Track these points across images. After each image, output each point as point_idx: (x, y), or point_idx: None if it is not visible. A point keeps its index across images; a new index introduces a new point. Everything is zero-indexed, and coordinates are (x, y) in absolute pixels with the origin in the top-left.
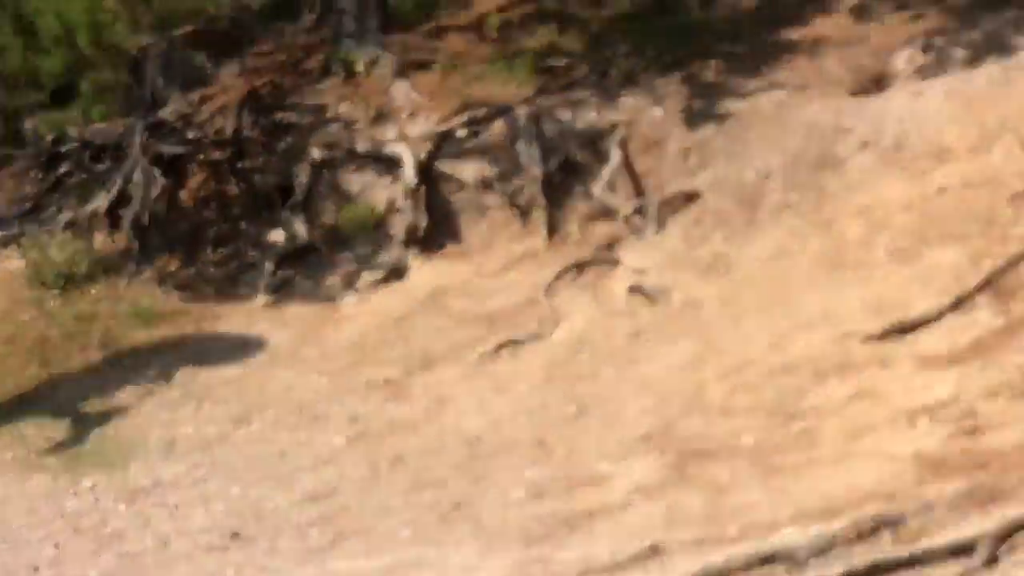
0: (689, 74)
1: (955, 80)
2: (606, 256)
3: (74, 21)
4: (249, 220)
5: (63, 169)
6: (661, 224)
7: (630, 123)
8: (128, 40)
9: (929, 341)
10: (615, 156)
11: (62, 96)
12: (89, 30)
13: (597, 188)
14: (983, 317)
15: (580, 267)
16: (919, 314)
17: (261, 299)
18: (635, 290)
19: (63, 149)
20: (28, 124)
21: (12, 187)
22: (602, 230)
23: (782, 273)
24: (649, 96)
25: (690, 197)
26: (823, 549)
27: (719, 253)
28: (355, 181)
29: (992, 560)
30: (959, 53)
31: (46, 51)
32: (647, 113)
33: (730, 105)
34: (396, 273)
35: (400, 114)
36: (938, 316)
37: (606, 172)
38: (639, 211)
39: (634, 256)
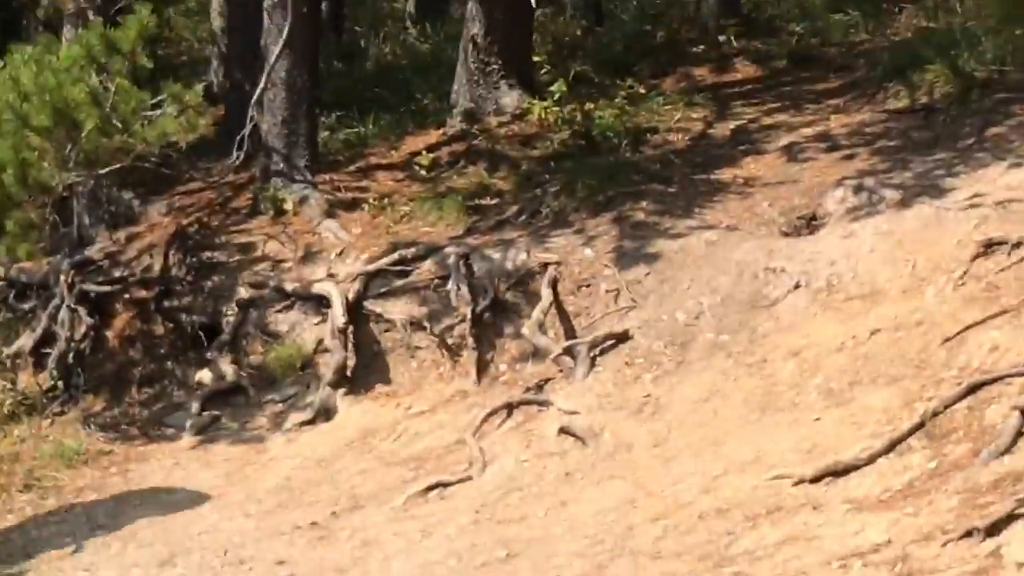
0: (620, 214)
1: (887, 221)
2: (536, 397)
3: (1, 159)
4: (175, 359)
5: None
6: (591, 365)
7: (560, 263)
8: (55, 178)
9: (862, 484)
10: (545, 296)
11: None
12: (15, 168)
13: (527, 328)
14: (916, 460)
15: (510, 408)
16: (852, 457)
17: (187, 439)
18: (565, 431)
19: None
20: None
21: None
22: (532, 370)
23: (714, 415)
24: (580, 236)
25: (621, 338)
26: None
27: (650, 394)
28: (283, 320)
29: None
30: (890, 194)
31: None
32: (577, 253)
33: (661, 245)
34: (324, 414)
35: (329, 253)
36: (871, 459)
37: (536, 312)
38: (569, 352)
39: (564, 397)
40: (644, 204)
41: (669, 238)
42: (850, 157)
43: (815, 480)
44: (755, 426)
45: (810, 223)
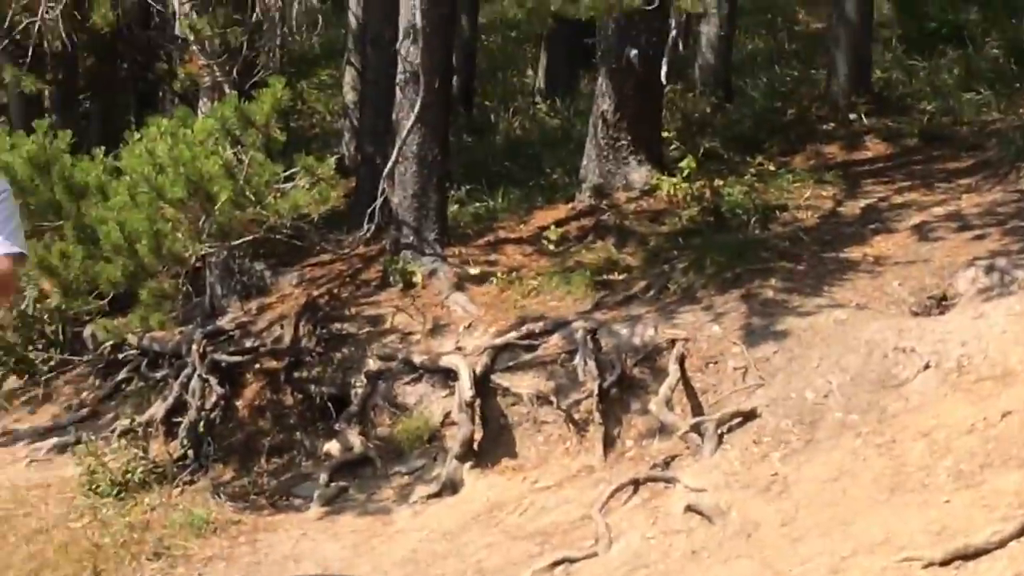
0: (748, 291)
1: (1019, 302)
2: (663, 474)
3: (135, 230)
4: (304, 430)
5: (121, 376)
6: (719, 442)
7: (688, 339)
8: (188, 249)
9: (993, 568)
10: (673, 372)
11: (121, 303)
12: (150, 239)
13: (654, 404)
14: None
15: (636, 484)
16: (982, 540)
17: (315, 510)
18: (692, 509)
19: (121, 356)
20: (87, 331)
21: (69, 393)
22: (659, 447)
23: (842, 495)
24: (708, 312)
25: (748, 415)
26: None
27: (778, 473)
28: (411, 392)
29: None
30: (1023, 275)
31: (107, 259)
32: (705, 329)
33: (790, 323)
34: (450, 486)
35: (457, 326)
36: (1001, 543)
37: (663, 388)
38: (696, 429)
39: (691, 474)
40: (773, 281)
41: (798, 316)
42: (981, 237)
43: (945, 563)
44: (884, 507)
45: (941, 303)
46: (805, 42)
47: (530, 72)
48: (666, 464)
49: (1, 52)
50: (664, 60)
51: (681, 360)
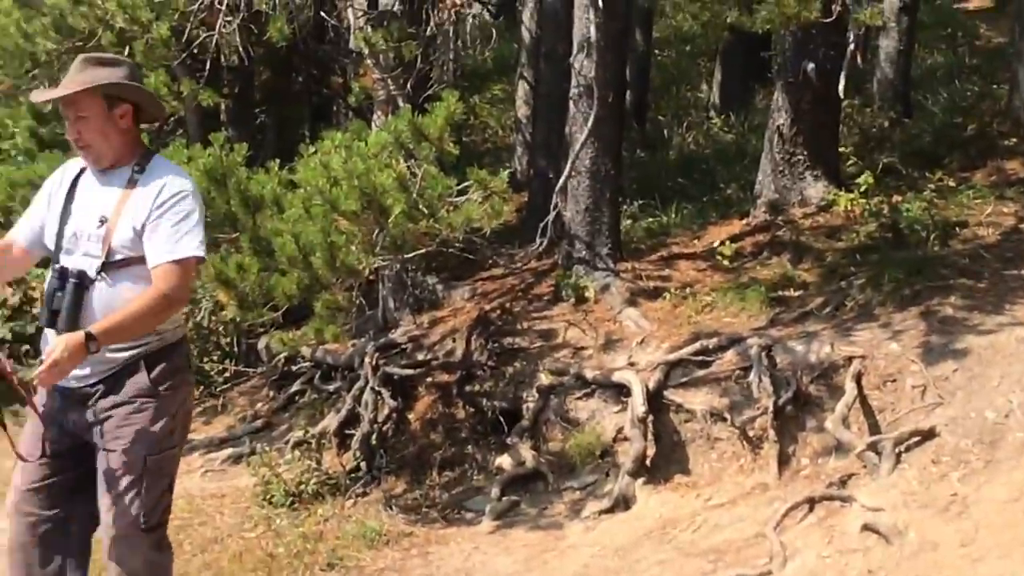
0: (927, 308)
1: None
2: (839, 492)
3: (310, 242)
4: (476, 444)
5: (294, 388)
6: (896, 461)
7: (865, 357)
8: (362, 262)
9: None
10: (849, 390)
11: (294, 316)
12: (324, 251)
13: (830, 422)
14: None
15: (811, 503)
16: None
17: (486, 524)
18: (869, 528)
19: (295, 368)
20: (261, 343)
21: (244, 405)
22: (835, 465)
23: (1023, 516)
24: (885, 330)
25: (927, 435)
26: None
27: (957, 493)
28: (583, 408)
29: None
30: None
31: (282, 271)
32: (883, 347)
33: (970, 341)
34: (623, 502)
35: (630, 341)
36: None
37: (840, 406)
38: (874, 447)
39: (868, 493)
40: (952, 299)
41: (978, 334)
42: None
43: None
44: None
45: None
46: (986, 57)
47: (704, 87)
48: (842, 483)
49: (179, 66)
50: (842, 74)
51: (858, 378)
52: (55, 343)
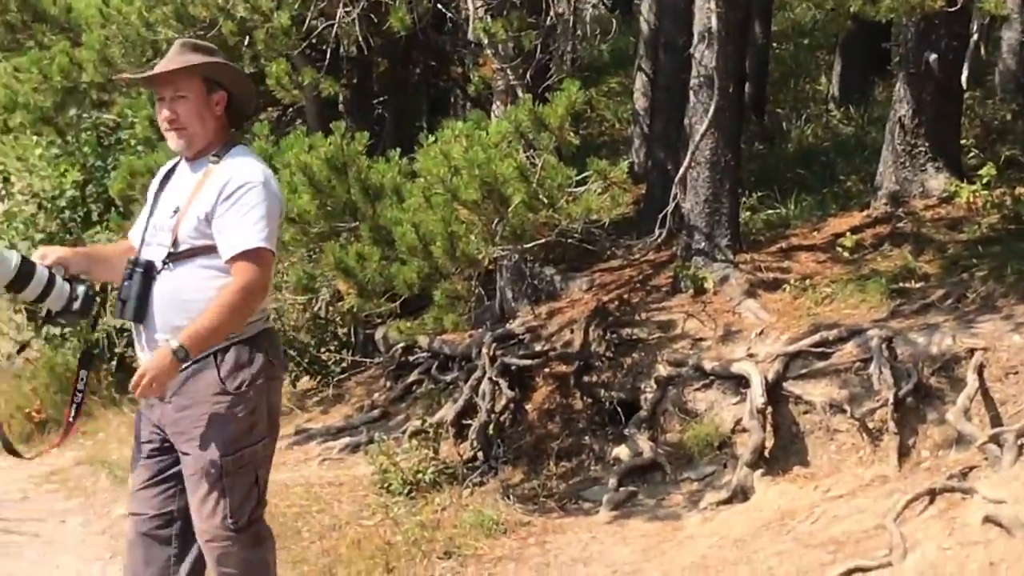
0: None
1: None
2: (960, 484)
3: (430, 231)
4: (593, 434)
5: (411, 378)
6: (1019, 454)
7: (987, 349)
8: (481, 251)
9: None
10: (971, 382)
11: (411, 306)
12: (444, 241)
13: (951, 414)
14: None
15: (932, 494)
16: None
17: (604, 514)
18: (990, 520)
19: (412, 358)
20: (378, 333)
21: (361, 394)
22: (955, 457)
23: None
24: (1008, 322)
25: None
26: None
27: None
28: (701, 399)
29: None
30: None
31: (402, 260)
32: (1005, 339)
33: None
34: (741, 493)
35: (748, 333)
36: None
37: (961, 398)
38: (996, 440)
39: (990, 485)
40: None
41: None
42: None
43: None
44: None
45: None
46: None
47: (823, 79)
48: (963, 475)
49: (299, 55)
50: (964, 65)
51: (980, 370)
52: (147, 359)
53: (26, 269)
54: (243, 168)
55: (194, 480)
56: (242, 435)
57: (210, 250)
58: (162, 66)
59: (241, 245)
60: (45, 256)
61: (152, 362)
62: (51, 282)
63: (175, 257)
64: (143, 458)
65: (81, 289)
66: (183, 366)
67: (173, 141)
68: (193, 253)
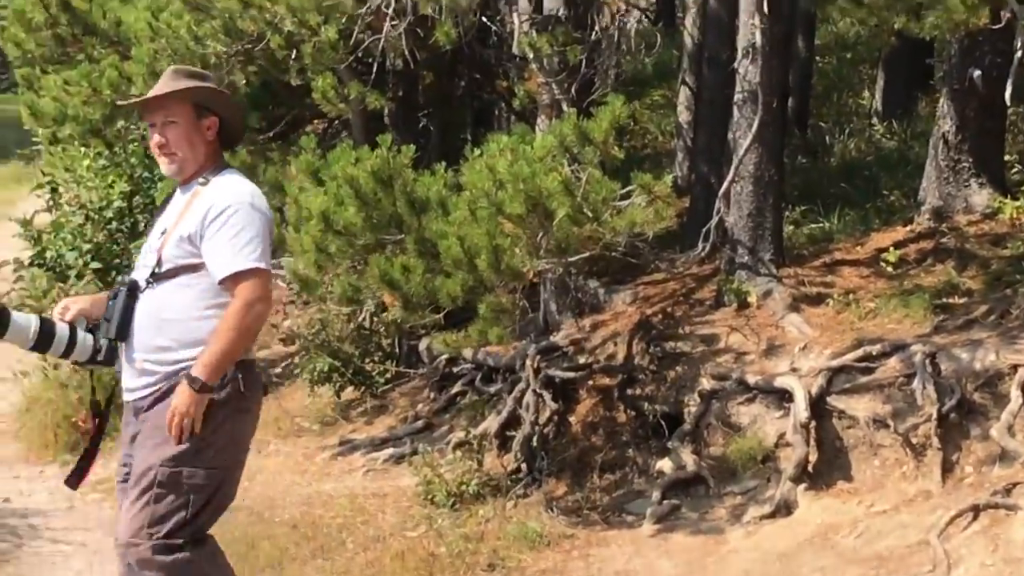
0: None
1: None
2: (1004, 501)
3: (475, 244)
4: (637, 447)
5: (455, 389)
6: None
7: None
8: (526, 264)
9: None
10: (1015, 398)
11: (455, 318)
12: (489, 254)
13: (995, 430)
14: None
15: (976, 511)
16: None
17: (647, 527)
18: None
19: (455, 370)
20: (422, 344)
21: (405, 406)
22: (999, 473)
23: None
24: None
25: None
26: None
27: None
28: (744, 413)
29: None
30: None
31: (447, 273)
32: None
33: None
34: (784, 508)
35: (792, 347)
36: None
37: (1005, 415)
38: None
39: None
40: None
41: None
42: None
43: None
44: None
45: None
46: None
47: (866, 94)
48: (1007, 491)
49: (345, 69)
50: (1008, 81)
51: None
52: (172, 398)
53: (47, 330)
54: (228, 190)
55: (130, 483)
56: (186, 454)
57: (192, 269)
58: (153, 92)
59: (235, 266)
60: (66, 309)
61: (174, 402)
62: (72, 337)
63: (158, 276)
64: (119, 481)
65: (105, 340)
66: (211, 393)
67: (165, 166)
68: (175, 272)
